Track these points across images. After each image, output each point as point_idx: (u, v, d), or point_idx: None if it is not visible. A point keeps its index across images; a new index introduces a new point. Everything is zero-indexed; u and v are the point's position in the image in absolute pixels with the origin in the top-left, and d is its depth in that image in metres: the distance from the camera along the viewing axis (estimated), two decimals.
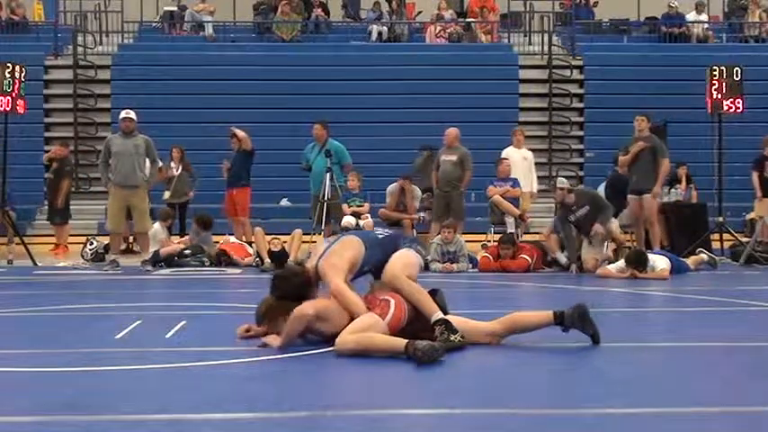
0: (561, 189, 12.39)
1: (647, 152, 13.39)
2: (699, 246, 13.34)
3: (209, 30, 23.51)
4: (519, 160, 15.63)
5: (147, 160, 12.91)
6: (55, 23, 22.59)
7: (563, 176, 13.24)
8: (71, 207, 17.47)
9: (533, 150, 20.54)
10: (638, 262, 11.32)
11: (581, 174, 20.25)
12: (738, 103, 14.27)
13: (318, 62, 21.49)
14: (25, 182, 17.81)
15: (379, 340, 5.69)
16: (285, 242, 13.13)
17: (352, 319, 5.95)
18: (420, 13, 25.16)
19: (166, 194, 16.39)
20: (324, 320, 6.00)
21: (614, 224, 12.43)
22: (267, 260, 12.85)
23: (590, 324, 6.03)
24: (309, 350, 5.94)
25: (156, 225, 14.14)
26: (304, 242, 13.52)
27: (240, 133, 14.19)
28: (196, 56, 21.90)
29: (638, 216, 13.47)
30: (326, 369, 5.49)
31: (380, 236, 6.50)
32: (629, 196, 13.56)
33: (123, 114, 13.02)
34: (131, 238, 15.67)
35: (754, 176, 15.20)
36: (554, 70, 21.56)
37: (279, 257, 12.81)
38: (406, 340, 5.56)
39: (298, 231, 13.36)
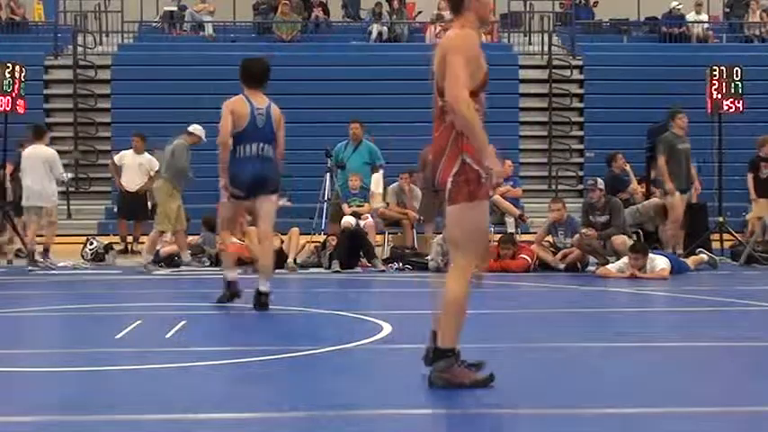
0: (601, 190, 12.68)
1: (686, 152, 13.46)
2: (699, 246, 13.32)
3: (209, 30, 23.49)
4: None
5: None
6: (55, 23, 22.57)
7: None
8: (71, 207, 17.40)
9: (533, 150, 20.68)
10: (644, 249, 11.46)
11: (581, 174, 20.22)
12: (738, 103, 14.25)
13: (318, 62, 21.45)
14: None
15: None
16: (283, 242, 13.09)
17: None
18: (420, 13, 25.13)
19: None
20: None
21: (620, 240, 12.30)
22: None
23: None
24: (309, 350, 5.94)
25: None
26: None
27: None
28: (196, 56, 21.85)
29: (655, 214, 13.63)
30: (326, 369, 5.49)
31: None
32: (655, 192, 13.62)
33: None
34: (131, 238, 15.68)
35: (749, 178, 15.17)
36: (554, 70, 21.53)
37: (278, 257, 12.77)
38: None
39: (294, 230, 13.31)
